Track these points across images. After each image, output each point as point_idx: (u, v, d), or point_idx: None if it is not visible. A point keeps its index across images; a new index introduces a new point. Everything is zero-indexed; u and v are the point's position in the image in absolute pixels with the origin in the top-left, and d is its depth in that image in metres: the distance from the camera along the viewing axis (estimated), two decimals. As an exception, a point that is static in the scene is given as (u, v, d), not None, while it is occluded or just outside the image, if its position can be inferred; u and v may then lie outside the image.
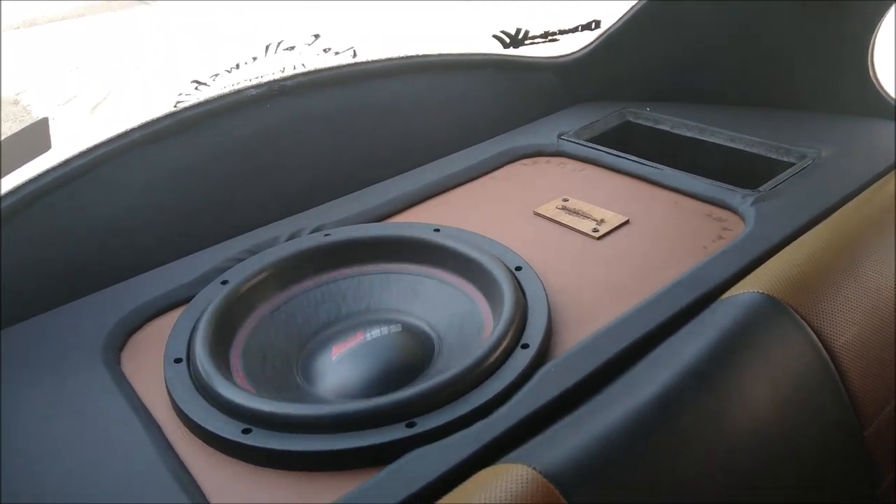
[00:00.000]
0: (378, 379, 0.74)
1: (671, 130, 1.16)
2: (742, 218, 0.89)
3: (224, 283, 0.83)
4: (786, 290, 0.69)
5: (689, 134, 1.14)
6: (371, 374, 0.75)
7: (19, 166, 0.79)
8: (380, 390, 0.71)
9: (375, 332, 0.79)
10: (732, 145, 1.09)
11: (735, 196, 0.92)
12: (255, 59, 0.94)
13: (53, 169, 0.84)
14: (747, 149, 1.08)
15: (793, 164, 1.00)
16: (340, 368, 0.76)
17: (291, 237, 0.92)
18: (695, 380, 0.60)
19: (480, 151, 1.13)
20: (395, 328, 0.80)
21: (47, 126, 0.80)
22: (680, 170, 1.00)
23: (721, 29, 1.18)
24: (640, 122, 1.20)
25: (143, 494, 0.59)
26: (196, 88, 0.92)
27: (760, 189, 0.93)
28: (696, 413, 0.59)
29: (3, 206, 0.79)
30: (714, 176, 0.98)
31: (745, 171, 1.06)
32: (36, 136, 0.78)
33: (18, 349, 0.77)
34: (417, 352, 0.78)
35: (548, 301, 0.76)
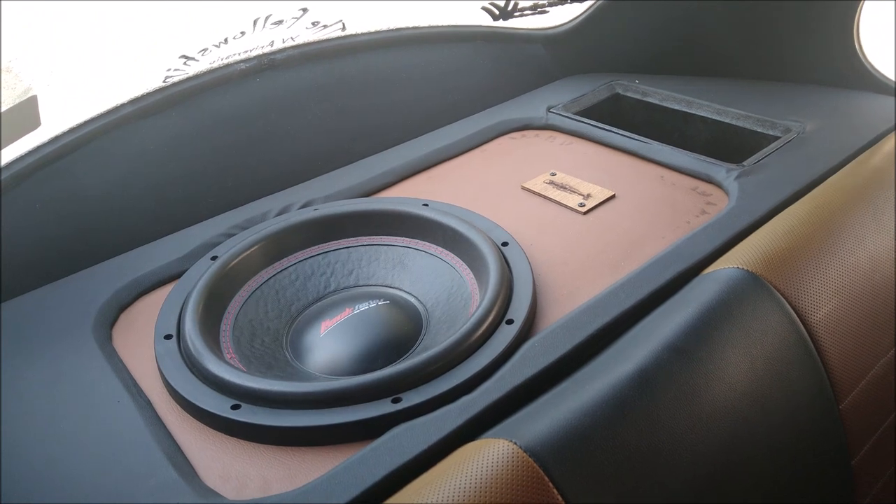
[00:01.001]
0: (367, 354, 0.75)
1: (659, 103, 1.16)
2: (726, 192, 0.90)
3: (214, 258, 0.84)
4: (764, 265, 0.70)
5: (676, 107, 1.15)
6: (360, 349, 0.76)
7: (8, 144, 0.79)
8: (369, 366, 0.73)
9: (364, 307, 0.80)
10: (719, 119, 1.10)
11: (720, 170, 0.93)
12: (242, 33, 0.94)
13: (44, 145, 0.84)
14: (734, 122, 1.08)
15: (778, 138, 1.01)
16: (329, 344, 0.77)
17: (281, 212, 0.93)
18: (673, 355, 0.62)
19: (470, 125, 1.13)
20: (383, 302, 0.81)
21: (36, 104, 0.80)
22: (668, 143, 1.01)
23: (710, 1, 1.18)
24: (629, 94, 1.20)
25: (132, 469, 0.60)
26: (185, 63, 0.92)
27: (745, 163, 0.94)
28: (673, 388, 0.60)
29: None
30: (701, 149, 0.99)
31: (732, 145, 1.07)
32: (25, 114, 0.78)
33: (9, 325, 0.78)
34: (406, 326, 0.79)
35: (533, 277, 0.78)
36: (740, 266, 0.70)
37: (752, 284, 0.69)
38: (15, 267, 0.83)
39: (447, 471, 0.54)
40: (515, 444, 0.54)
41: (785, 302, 0.68)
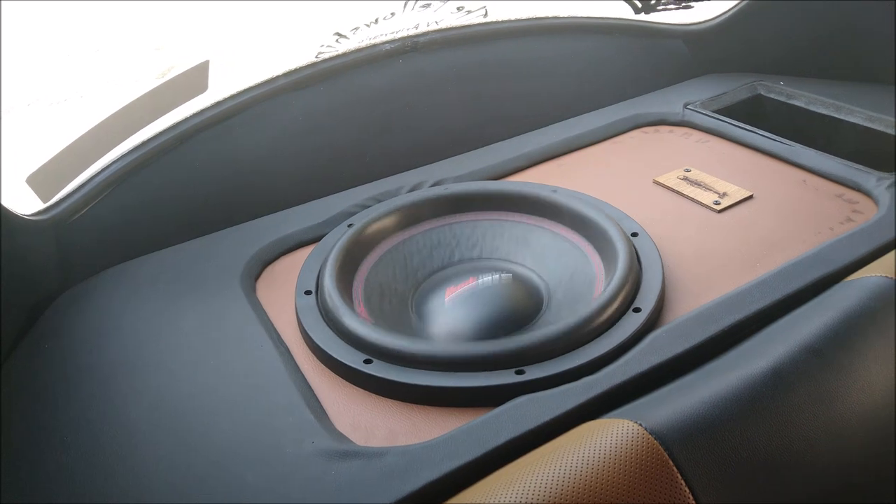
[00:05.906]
0: (488, 323, 0.77)
1: (805, 107, 1.11)
2: (875, 201, 0.85)
3: (350, 225, 0.89)
4: None
5: (824, 111, 1.10)
6: (481, 318, 0.78)
7: (178, 105, 0.87)
8: (489, 334, 0.75)
9: (487, 279, 0.82)
10: (870, 125, 1.04)
11: (869, 178, 0.88)
12: (392, 14, 0.98)
13: (207, 109, 0.91)
14: (887, 130, 1.02)
15: (938, 150, 0.95)
16: (452, 310, 0.80)
17: (413, 188, 0.97)
18: (811, 357, 0.60)
19: (603, 116, 1.12)
20: (506, 276, 0.83)
21: (207, 69, 0.87)
22: (812, 148, 0.97)
23: (864, 2, 1.12)
24: (772, 96, 1.16)
25: (272, 405, 0.65)
26: (337, 41, 0.97)
27: (899, 173, 0.89)
28: (810, 391, 0.58)
29: (163, 140, 0.87)
30: (849, 157, 0.94)
31: (883, 154, 1.01)
32: (195, 79, 0.85)
33: (168, 270, 0.86)
34: (527, 301, 0.80)
35: (663, 268, 0.77)
36: (889, 276, 0.67)
37: None
38: (175, 218, 0.91)
39: (569, 444, 0.55)
40: (640, 425, 0.54)
41: None
